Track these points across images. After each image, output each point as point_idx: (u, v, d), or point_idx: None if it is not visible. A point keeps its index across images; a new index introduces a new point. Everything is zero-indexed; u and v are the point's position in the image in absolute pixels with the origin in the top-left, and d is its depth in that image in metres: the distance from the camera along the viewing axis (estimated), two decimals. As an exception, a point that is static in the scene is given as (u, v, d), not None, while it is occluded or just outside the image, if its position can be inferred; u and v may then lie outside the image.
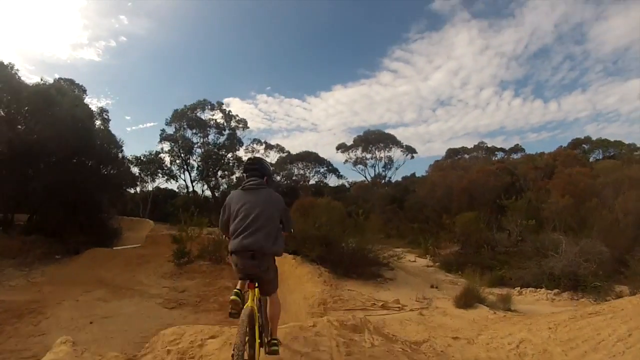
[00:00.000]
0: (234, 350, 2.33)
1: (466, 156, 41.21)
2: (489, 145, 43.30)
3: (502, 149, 42.73)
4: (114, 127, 62.17)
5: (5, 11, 53.71)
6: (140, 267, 12.77)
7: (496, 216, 16.86)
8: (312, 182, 41.54)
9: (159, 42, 74.65)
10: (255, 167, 3.23)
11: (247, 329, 2.45)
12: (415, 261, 15.12)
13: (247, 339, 2.42)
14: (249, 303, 2.69)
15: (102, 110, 30.62)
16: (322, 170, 42.34)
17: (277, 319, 3.21)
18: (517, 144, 43.57)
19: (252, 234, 2.82)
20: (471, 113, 72.36)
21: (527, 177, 23.74)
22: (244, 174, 3.25)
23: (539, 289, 10.87)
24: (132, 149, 66.42)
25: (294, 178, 38.81)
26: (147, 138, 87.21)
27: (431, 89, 76.67)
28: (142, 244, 15.62)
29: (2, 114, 13.23)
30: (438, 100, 74.59)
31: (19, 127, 13.27)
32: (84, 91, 25.67)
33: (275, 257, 3.04)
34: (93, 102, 62.48)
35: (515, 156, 38.79)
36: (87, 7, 66.11)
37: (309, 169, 41.62)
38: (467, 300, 8.35)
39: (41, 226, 14.09)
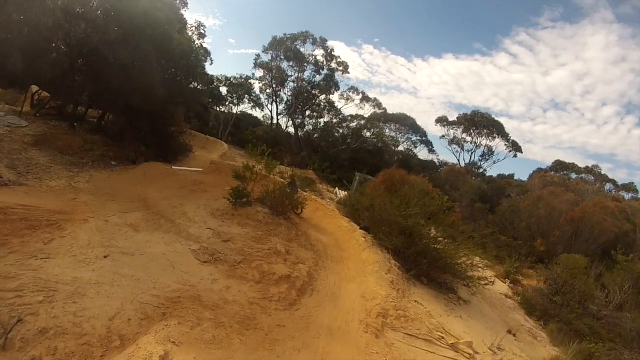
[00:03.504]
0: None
1: (574, 176, 35.62)
2: (602, 172, 36.57)
3: (613, 181, 36.03)
4: (215, 48, 63.32)
5: None
6: (193, 195, 11.44)
7: (600, 267, 14.13)
8: (400, 148, 38.51)
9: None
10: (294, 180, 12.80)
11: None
12: (494, 282, 12.35)
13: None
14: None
15: (200, 25, 30.71)
16: (414, 138, 39.15)
17: None
18: (632, 183, 36.83)
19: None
20: (584, 127, 62.75)
21: (645, 233, 20.49)
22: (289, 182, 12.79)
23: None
24: (229, 71, 66.81)
25: (383, 139, 35.84)
26: (246, 64, 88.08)
27: (549, 86, 67.26)
28: (204, 170, 14.35)
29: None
30: (553, 101, 65.64)
31: (84, 26, 11.99)
32: (185, 3, 24.29)
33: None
34: (200, 18, 62.36)
35: (625, 195, 33.25)
36: None
37: (401, 133, 38.53)
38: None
39: (108, 129, 13.34)
